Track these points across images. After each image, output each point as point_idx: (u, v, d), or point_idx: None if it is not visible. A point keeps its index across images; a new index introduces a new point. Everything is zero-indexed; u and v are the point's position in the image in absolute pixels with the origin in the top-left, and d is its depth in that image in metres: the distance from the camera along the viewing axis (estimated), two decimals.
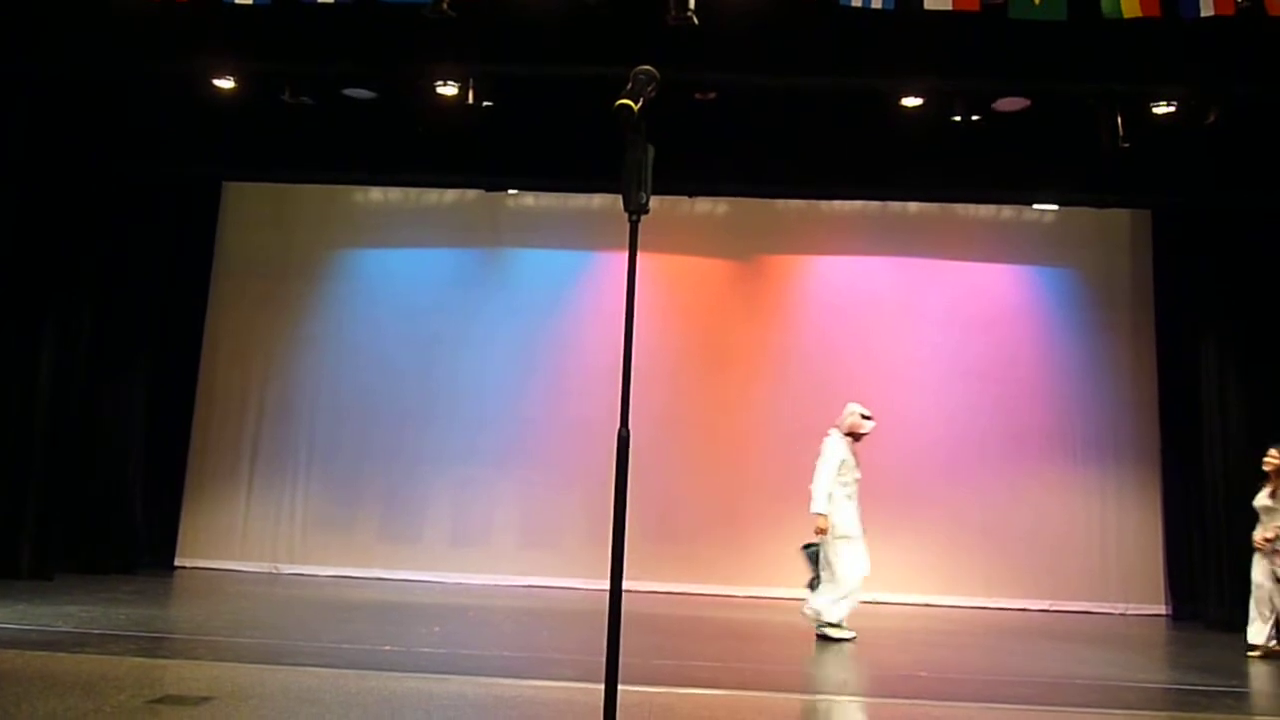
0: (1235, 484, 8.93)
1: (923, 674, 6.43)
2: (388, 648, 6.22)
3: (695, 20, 6.77)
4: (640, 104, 2.52)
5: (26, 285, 8.71)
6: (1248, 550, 7.55)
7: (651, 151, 2.53)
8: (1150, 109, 7.97)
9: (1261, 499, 7.48)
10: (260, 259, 10.89)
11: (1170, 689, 6.27)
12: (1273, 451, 7.46)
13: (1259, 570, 7.43)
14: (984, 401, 10.24)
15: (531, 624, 7.90)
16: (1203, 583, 9.25)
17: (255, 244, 10.92)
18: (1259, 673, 6.74)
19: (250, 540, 10.45)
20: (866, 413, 7.52)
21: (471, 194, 10.85)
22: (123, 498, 9.60)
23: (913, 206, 10.68)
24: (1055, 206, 10.39)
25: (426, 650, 6.28)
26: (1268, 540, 7.32)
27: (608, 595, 3.02)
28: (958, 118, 8.38)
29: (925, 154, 8.82)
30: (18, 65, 8.01)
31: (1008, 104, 8.55)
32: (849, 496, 7.35)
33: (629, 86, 2.55)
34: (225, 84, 8.25)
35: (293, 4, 6.95)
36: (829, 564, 7.27)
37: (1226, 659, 7.29)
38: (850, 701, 5.45)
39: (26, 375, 8.72)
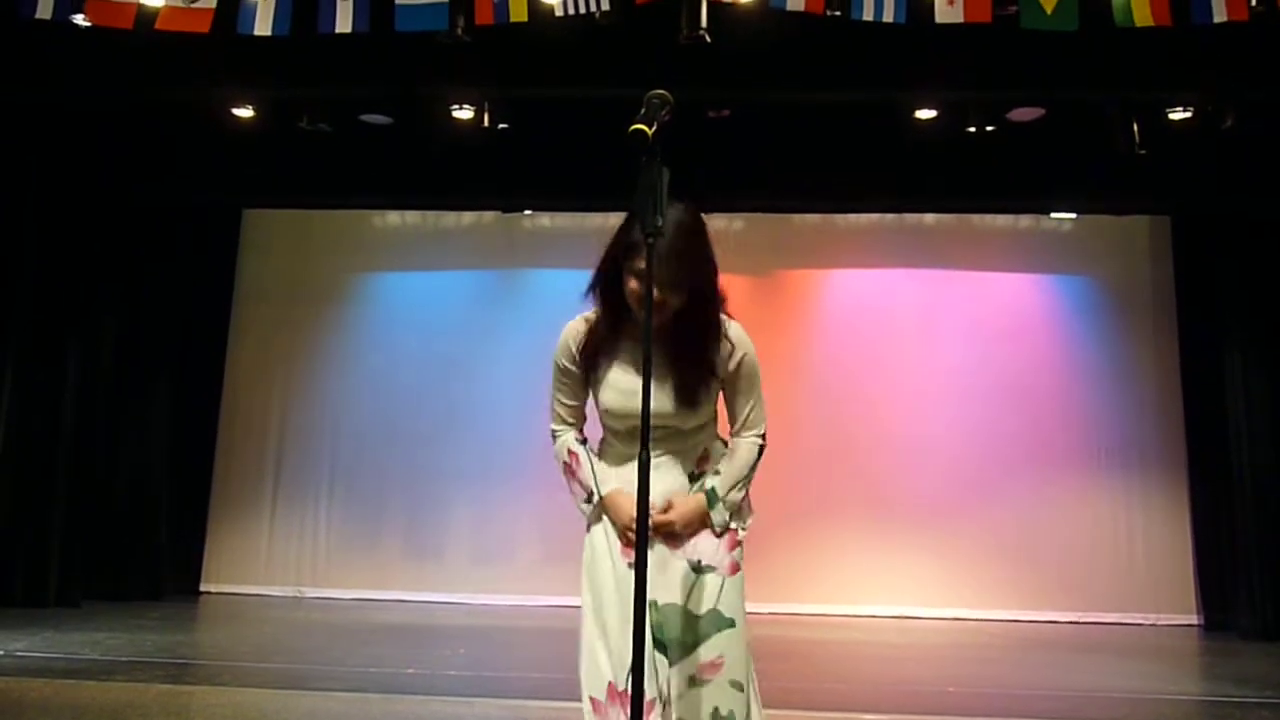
0: (1265, 489, 8.84)
1: (951, 689, 6.38)
2: (412, 670, 6.23)
3: (708, 38, 6.79)
4: (654, 129, 2.51)
5: (48, 314, 8.80)
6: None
7: (667, 175, 2.52)
8: (1166, 115, 7.93)
9: None
10: (280, 284, 10.97)
11: (1204, 701, 6.18)
12: None
13: None
14: (1005, 412, 10.15)
15: (556, 643, 7.87)
16: (1234, 591, 9.13)
17: (275, 269, 11.00)
18: None
19: (274, 564, 10.48)
20: None
21: (488, 216, 10.89)
22: (148, 524, 9.65)
23: (929, 218, 10.65)
24: (1073, 215, 10.34)
25: (452, 672, 6.28)
26: None
27: (631, 614, 3.01)
28: (973, 129, 8.36)
29: (941, 165, 8.81)
30: (37, 95, 8.13)
31: (1022, 114, 8.54)
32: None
33: (642, 111, 2.54)
34: (244, 112, 8.37)
35: (310, 33, 7.03)
36: None
37: (1262, 669, 7.17)
38: (879, 719, 5.40)
39: (50, 404, 8.79)
